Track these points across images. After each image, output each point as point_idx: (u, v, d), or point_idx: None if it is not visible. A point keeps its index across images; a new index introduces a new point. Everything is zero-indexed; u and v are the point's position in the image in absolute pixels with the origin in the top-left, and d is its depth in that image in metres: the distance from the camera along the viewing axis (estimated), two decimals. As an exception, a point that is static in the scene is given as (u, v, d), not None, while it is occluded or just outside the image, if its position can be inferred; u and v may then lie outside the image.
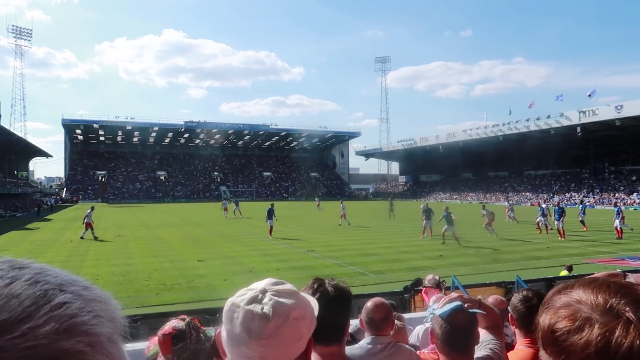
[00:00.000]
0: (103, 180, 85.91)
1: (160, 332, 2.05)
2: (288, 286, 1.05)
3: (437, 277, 8.37)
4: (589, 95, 62.37)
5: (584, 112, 59.29)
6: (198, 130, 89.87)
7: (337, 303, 1.66)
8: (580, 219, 27.42)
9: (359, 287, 11.27)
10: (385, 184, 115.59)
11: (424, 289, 7.34)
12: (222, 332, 1.00)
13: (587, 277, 0.73)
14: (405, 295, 7.96)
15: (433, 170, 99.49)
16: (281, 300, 0.98)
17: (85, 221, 23.40)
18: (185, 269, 14.43)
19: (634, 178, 63.49)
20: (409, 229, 26.87)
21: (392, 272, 13.60)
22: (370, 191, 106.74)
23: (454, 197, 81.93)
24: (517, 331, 2.28)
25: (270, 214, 23.55)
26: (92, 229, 23.16)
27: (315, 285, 1.68)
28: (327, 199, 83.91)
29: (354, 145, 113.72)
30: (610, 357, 0.59)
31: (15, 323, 0.33)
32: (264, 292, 1.00)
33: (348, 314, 1.75)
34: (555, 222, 22.92)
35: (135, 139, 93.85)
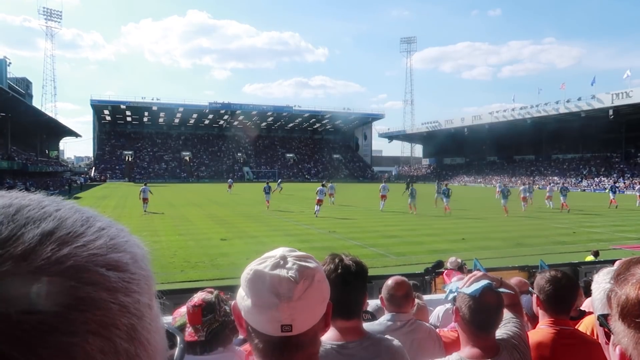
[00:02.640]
0: (130, 160, 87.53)
1: (190, 304, 2.10)
2: (304, 252, 1.08)
3: (459, 260, 8.31)
4: (625, 77, 60.26)
5: (617, 95, 57.36)
6: (222, 112, 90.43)
7: (357, 277, 1.68)
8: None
9: (379, 268, 11.31)
10: (409, 166, 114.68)
11: (446, 271, 7.31)
12: (242, 301, 1.01)
13: None
14: (426, 277, 7.96)
15: (457, 153, 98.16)
16: (304, 263, 1.02)
17: (141, 196, 26.09)
18: (209, 247, 14.69)
19: (667, 163, 61.48)
20: (427, 212, 26.68)
21: (413, 255, 13.57)
22: (393, 174, 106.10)
23: (478, 180, 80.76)
24: (541, 312, 2.25)
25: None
26: (146, 203, 25.74)
27: (337, 260, 1.70)
28: (350, 181, 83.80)
29: (377, 127, 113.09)
30: None
31: (75, 237, 0.38)
32: (284, 258, 1.02)
33: (365, 287, 1.77)
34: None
35: (160, 120, 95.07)
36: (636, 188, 42.63)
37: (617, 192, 34.42)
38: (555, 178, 69.35)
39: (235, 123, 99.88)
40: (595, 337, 2.28)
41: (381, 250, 14.41)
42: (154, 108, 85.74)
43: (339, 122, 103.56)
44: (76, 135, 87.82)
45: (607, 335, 0.67)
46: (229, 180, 51.70)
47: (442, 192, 26.53)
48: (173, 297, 6.06)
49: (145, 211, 25.28)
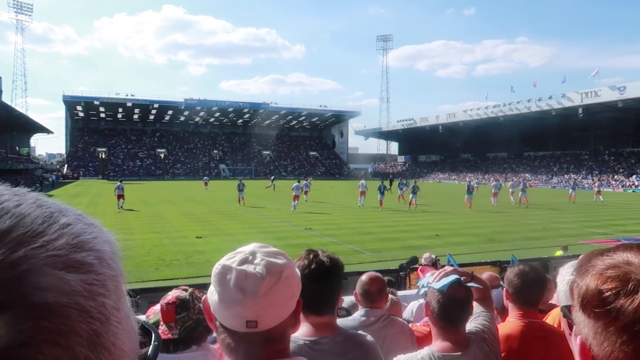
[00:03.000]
0: (104, 157, 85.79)
1: (164, 301, 2.09)
2: (275, 248, 1.07)
3: (433, 256, 8.43)
4: (592, 77, 62.11)
5: (586, 94, 58.93)
6: (198, 108, 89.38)
7: (331, 273, 1.69)
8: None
9: (355, 264, 11.38)
10: (384, 163, 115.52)
11: (420, 267, 7.42)
12: (211, 296, 1.02)
13: (627, 242, 0.70)
14: (401, 273, 8.05)
15: (432, 150, 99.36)
16: (272, 259, 1.01)
17: (116, 193, 26.03)
18: (185, 245, 14.55)
19: (633, 160, 63.48)
20: (401, 208, 26.97)
21: (388, 251, 13.71)
22: (369, 171, 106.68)
23: (452, 177, 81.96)
24: (510, 305, 2.31)
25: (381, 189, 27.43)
26: (122, 200, 25.75)
27: (311, 256, 1.71)
28: (327, 178, 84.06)
29: (353, 124, 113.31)
30: None
31: (33, 236, 0.36)
32: (253, 253, 1.02)
33: (341, 285, 1.78)
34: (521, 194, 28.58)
35: (135, 116, 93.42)
36: (595, 184, 44.65)
37: (577, 188, 37.01)
38: (527, 175, 70.88)
39: (212, 120, 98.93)
40: (562, 329, 2.35)
41: (357, 246, 14.50)
42: (129, 104, 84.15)
43: (316, 119, 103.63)
44: (48, 131, 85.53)
45: (570, 326, 0.69)
46: (205, 177, 51.90)
47: (411, 189, 27.90)
48: (147, 296, 6.00)
49: (120, 208, 25.13)
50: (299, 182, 28.28)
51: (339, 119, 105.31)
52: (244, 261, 1.00)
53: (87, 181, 66.89)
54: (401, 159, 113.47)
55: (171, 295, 2.10)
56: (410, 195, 27.46)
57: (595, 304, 0.62)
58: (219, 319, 1.01)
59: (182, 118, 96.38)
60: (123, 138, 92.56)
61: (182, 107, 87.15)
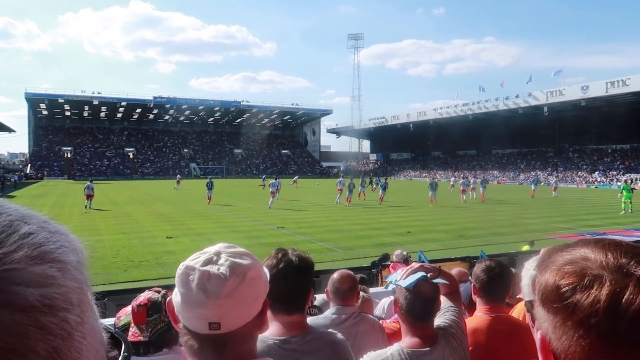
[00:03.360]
0: (69, 156, 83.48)
1: (135, 303, 2.05)
2: (243, 249, 1.06)
3: (404, 253, 8.53)
4: (554, 75, 64.09)
5: (551, 92, 60.65)
6: (167, 106, 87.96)
7: (300, 272, 1.69)
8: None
9: (327, 262, 11.40)
10: (357, 162, 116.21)
11: (392, 264, 7.49)
12: (175, 297, 1.01)
13: (587, 237, 0.71)
14: (372, 270, 8.12)
15: (404, 148, 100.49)
16: (237, 260, 0.99)
17: (85, 193, 25.70)
18: (154, 245, 14.30)
19: (595, 157, 65.67)
20: (374, 206, 27.22)
21: (360, 248, 13.80)
22: (342, 169, 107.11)
23: (423, 175, 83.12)
24: (478, 299, 2.36)
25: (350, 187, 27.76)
26: (91, 199, 25.49)
27: (280, 255, 1.70)
28: (299, 176, 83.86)
29: (325, 122, 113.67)
30: (620, 315, 0.57)
31: None
32: (218, 254, 1.00)
33: (310, 283, 1.77)
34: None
35: (102, 115, 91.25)
36: (552, 181, 46.42)
37: (539, 184, 40.38)
38: (495, 172, 72.49)
39: (182, 118, 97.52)
40: (527, 322, 2.41)
41: (329, 244, 14.54)
42: (95, 102, 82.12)
43: (288, 117, 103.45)
44: (9, 130, 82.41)
45: (534, 320, 0.70)
46: (177, 176, 51.67)
47: (380, 185, 30.38)
48: (115, 298, 5.87)
49: (89, 208, 24.89)
50: (275, 179, 29.47)
51: (311, 117, 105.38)
52: (208, 262, 0.98)
53: (51, 181, 64.98)
54: (373, 156, 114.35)
55: (143, 297, 2.06)
56: (380, 191, 29.61)
57: (553, 299, 0.63)
58: (182, 321, 1.00)
59: (151, 116, 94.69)
60: (89, 137, 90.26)
61: (151, 105, 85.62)
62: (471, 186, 32.36)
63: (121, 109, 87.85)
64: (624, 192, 24.34)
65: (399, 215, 22.55)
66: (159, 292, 2.11)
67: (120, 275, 10.63)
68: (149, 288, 2.22)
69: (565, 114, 63.93)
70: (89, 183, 26.57)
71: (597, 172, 60.81)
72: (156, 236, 16.06)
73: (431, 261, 7.45)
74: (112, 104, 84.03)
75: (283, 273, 1.62)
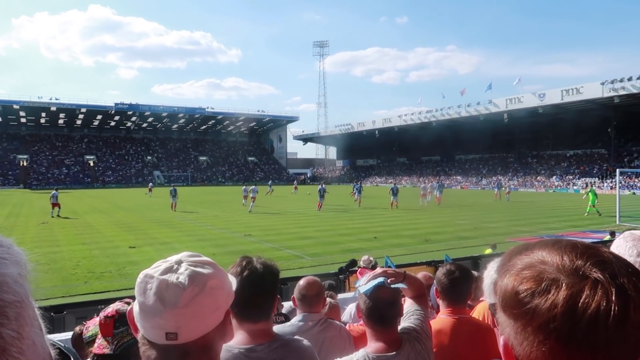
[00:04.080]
0: (25, 164, 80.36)
1: (103, 314, 1.99)
2: (206, 258, 1.03)
3: (371, 258, 8.62)
4: (515, 84, 66.40)
5: (510, 100, 62.60)
6: (129, 113, 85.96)
7: (265, 279, 1.68)
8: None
9: (295, 269, 11.39)
10: (323, 168, 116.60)
11: (359, 269, 7.54)
12: (135, 306, 0.99)
13: (546, 239, 0.72)
14: (340, 277, 8.15)
15: (369, 154, 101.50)
16: (197, 269, 0.97)
17: (51, 201, 26.26)
18: (117, 256, 13.93)
19: (553, 163, 68.08)
20: (341, 212, 27.37)
21: (328, 255, 13.82)
22: (309, 175, 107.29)
23: (389, 180, 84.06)
24: (440, 302, 2.41)
25: (321, 192, 29.23)
26: (58, 208, 26.13)
27: (244, 263, 1.69)
28: (265, 183, 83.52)
29: (292, 129, 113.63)
30: (577, 318, 0.57)
31: None
32: (179, 262, 0.98)
33: (276, 291, 1.77)
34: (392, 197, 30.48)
35: (60, 121, 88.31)
36: (506, 186, 48.53)
37: (501, 188, 42.31)
38: (459, 177, 74.12)
39: (145, 125, 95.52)
40: (488, 323, 2.48)
41: (297, 251, 14.51)
42: (53, 108, 79.43)
43: (254, 124, 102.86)
44: (-40, 137, 79.04)
45: (498, 323, 0.71)
46: (150, 184, 52.67)
47: (356, 189, 33.11)
48: (75, 311, 5.69)
49: (58, 216, 25.33)
50: (245, 185, 32.50)
51: (277, 124, 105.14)
52: (168, 270, 0.96)
53: (6, 191, 62.37)
54: (339, 163, 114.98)
55: (111, 308, 2.01)
56: (356, 195, 32.72)
57: (513, 305, 0.63)
58: (141, 330, 0.97)
59: (113, 123, 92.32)
60: (47, 144, 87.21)
61: (113, 111, 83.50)
62: (428, 190, 34.70)
63: (81, 116, 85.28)
64: (590, 196, 25.23)
65: (366, 221, 22.73)
66: (128, 303, 2.06)
67: (81, 287, 10.29)
68: (120, 299, 2.17)
69: (524, 121, 66.07)
70: (54, 192, 27.08)
71: (554, 177, 63.04)
72: (118, 246, 15.65)
73: (397, 266, 7.55)
74: (71, 111, 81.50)
75: (247, 281, 1.61)
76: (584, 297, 0.58)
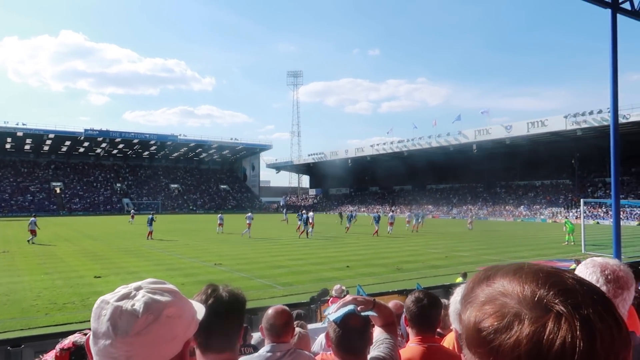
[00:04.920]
0: (-13, 191, 77.59)
1: (59, 346, 1.91)
2: (168, 285, 0.99)
3: (343, 287, 8.56)
4: (482, 113, 68.55)
5: (479, 131, 64.39)
6: (99, 139, 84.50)
7: (230, 309, 1.63)
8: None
9: (266, 299, 11.21)
10: (296, 196, 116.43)
11: (331, 299, 7.46)
12: (90, 333, 0.95)
13: (510, 264, 0.66)
14: (311, 306, 8.04)
15: (342, 183, 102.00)
16: (155, 297, 0.93)
17: (29, 228, 27.10)
18: (81, 286, 13.45)
19: (520, 192, 69.78)
20: (313, 242, 27.24)
21: (300, 284, 13.67)
22: (281, 204, 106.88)
23: (362, 209, 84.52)
24: (410, 330, 2.39)
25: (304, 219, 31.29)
26: (34, 235, 26.87)
27: (209, 291, 1.65)
28: (238, 212, 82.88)
29: (265, 157, 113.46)
30: (542, 355, 0.53)
31: None
32: (138, 288, 0.95)
33: (242, 321, 1.72)
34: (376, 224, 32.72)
35: (27, 147, 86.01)
36: (469, 215, 49.59)
37: (476, 218, 44.57)
38: (430, 206, 75.02)
39: (115, 152, 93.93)
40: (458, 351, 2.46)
41: (268, 281, 14.30)
42: (19, 134, 77.43)
43: (227, 152, 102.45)
44: None
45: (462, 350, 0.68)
46: (132, 211, 53.20)
47: (347, 217, 36.68)
48: (34, 344, 5.44)
49: (32, 242, 26.17)
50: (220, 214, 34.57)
51: (250, 152, 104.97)
52: (125, 296, 0.93)
53: (-33, 218, 59.93)
54: (312, 192, 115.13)
55: (68, 340, 1.92)
56: (347, 222, 35.87)
57: (476, 343, 0.60)
58: (94, 357, 0.93)
59: (82, 149, 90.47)
60: (11, 170, 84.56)
61: (82, 137, 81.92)
62: (407, 219, 36.96)
63: (48, 142, 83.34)
64: (568, 226, 26.66)
65: (338, 250, 22.66)
66: (86, 335, 1.97)
67: (41, 319, 9.84)
68: (80, 331, 2.08)
69: (493, 151, 67.87)
70: (32, 219, 27.95)
71: (522, 206, 64.51)
72: (83, 276, 15.13)
73: (369, 295, 7.50)
74: (38, 136, 79.61)
75: (212, 309, 1.56)
76: (547, 332, 0.54)
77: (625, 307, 1.66)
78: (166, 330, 0.92)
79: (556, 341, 0.53)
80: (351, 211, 42.30)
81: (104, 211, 79.29)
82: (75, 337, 1.95)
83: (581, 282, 0.61)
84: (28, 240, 26.54)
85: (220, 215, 36.14)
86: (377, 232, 31.90)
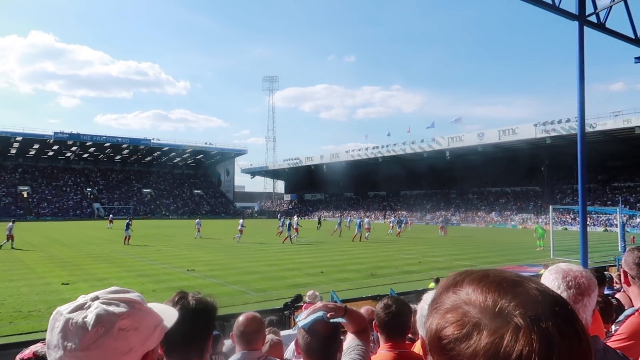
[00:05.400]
0: (-51, 195, 74.82)
1: (19, 356, 1.84)
2: (130, 295, 0.96)
3: (317, 293, 8.55)
4: (454, 121, 69.98)
5: (452, 138, 65.42)
6: (70, 143, 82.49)
7: (198, 316, 1.61)
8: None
9: (239, 306, 11.09)
10: (271, 202, 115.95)
11: (305, 305, 7.44)
12: None
13: (479, 270, 0.66)
14: (285, 312, 8.01)
15: (317, 189, 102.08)
16: (109, 308, 0.90)
17: (7, 233, 26.35)
18: (48, 293, 13.07)
19: (492, 199, 71.10)
20: (287, 246, 27.14)
21: (273, 290, 13.59)
22: (256, 209, 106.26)
23: (337, 215, 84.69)
24: (380, 336, 2.40)
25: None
26: (12, 240, 26.32)
27: (177, 298, 1.63)
28: (212, 217, 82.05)
29: (240, 162, 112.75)
30: None
31: None
32: (95, 299, 0.92)
33: (210, 328, 1.70)
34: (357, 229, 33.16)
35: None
36: (439, 221, 50.42)
37: (448, 223, 45.10)
38: (404, 212, 75.65)
39: (85, 155, 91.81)
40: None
41: (242, 287, 14.17)
42: (-15, 136, 75.06)
43: (201, 156, 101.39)
44: None
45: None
46: (110, 215, 54.10)
47: (356, 224, 34.15)
48: (-4, 354, 5.23)
49: (12, 247, 25.70)
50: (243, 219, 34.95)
51: (225, 156, 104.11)
52: (78, 308, 0.90)
53: None
54: (287, 197, 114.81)
55: (29, 350, 1.86)
56: (356, 229, 33.86)
57: (437, 351, 0.60)
58: None
59: (51, 153, 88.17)
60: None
61: (51, 140, 79.85)
62: (365, 226, 35.28)
63: (16, 144, 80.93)
64: (538, 231, 27.24)
65: (312, 256, 22.63)
66: None
67: (5, 328, 9.53)
68: (42, 340, 2.02)
69: (466, 158, 69.00)
70: (10, 224, 27.30)
71: (494, 213, 65.72)
72: (50, 282, 14.71)
73: (343, 301, 7.51)
74: (5, 139, 77.21)
75: (178, 317, 1.54)
76: (504, 345, 0.53)
77: (587, 312, 1.71)
78: (119, 343, 0.88)
79: (512, 354, 0.53)
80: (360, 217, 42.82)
81: (73, 216, 77.33)
82: (37, 347, 1.89)
83: (545, 292, 0.60)
84: (12, 246, 26.12)
85: (198, 220, 36.37)
86: (355, 236, 32.29)
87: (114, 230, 40.63)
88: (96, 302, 0.91)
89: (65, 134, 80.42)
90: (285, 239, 30.12)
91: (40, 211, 76.69)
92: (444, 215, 65.12)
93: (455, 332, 0.58)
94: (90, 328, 0.86)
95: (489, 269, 0.66)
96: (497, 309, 0.57)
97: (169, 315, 1.07)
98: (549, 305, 0.58)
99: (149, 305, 1.02)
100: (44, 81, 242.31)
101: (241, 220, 33.11)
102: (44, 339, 2.01)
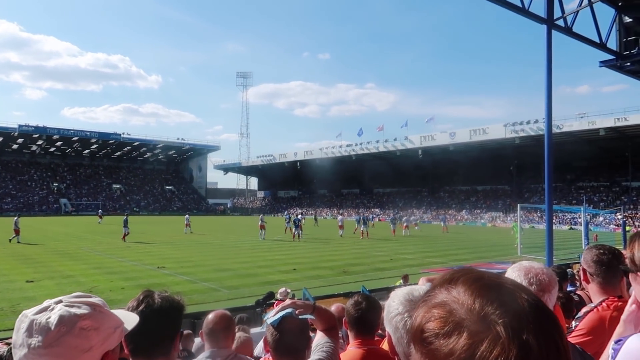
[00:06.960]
0: None
1: None
2: (91, 299, 1.02)
3: (289, 290, 8.56)
4: (427, 122, 70.90)
5: (424, 137, 66.31)
6: (35, 136, 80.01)
7: (163, 314, 1.60)
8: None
9: (210, 303, 10.99)
10: (244, 198, 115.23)
11: (277, 302, 7.43)
12: None
13: (477, 272, 0.66)
14: (257, 309, 7.99)
15: (291, 186, 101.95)
16: (71, 310, 0.97)
17: (14, 227, 26.51)
18: (10, 291, 12.68)
19: (462, 197, 72.38)
20: (262, 244, 27.05)
21: (246, 287, 13.52)
22: (229, 206, 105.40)
23: (310, 212, 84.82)
24: (349, 333, 2.42)
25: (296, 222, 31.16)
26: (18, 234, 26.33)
27: (142, 297, 1.62)
28: (183, 213, 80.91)
29: (213, 159, 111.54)
30: None
31: None
32: (59, 302, 0.98)
33: (176, 327, 1.68)
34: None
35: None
36: (404, 219, 50.44)
37: (420, 221, 44.90)
38: (377, 210, 76.30)
39: (52, 149, 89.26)
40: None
41: (213, 284, 14.05)
42: (-56, 128, 72.14)
43: (172, 152, 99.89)
44: None
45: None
46: (99, 211, 54.76)
47: (293, 221, 32.79)
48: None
49: (18, 242, 25.77)
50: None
51: (197, 152, 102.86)
52: (43, 310, 0.97)
53: None
54: (261, 194, 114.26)
55: (-10, 350, 1.80)
56: (362, 227, 34.08)
57: (417, 341, 0.61)
58: None
59: (15, 146, 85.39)
60: (-64, 167, 78.68)
61: (16, 134, 77.30)
62: (338, 224, 35.02)
63: (-22, 138, 78.19)
64: (515, 229, 27.97)
65: (285, 253, 22.60)
66: (9, 344, 1.86)
67: (-36, 327, 9.18)
68: (2, 340, 1.96)
69: (438, 157, 70.05)
70: (16, 218, 27.76)
71: (464, 211, 66.91)
72: (13, 280, 14.27)
73: (316, 298, 7.53)
74: (-34, 132, 74.50)
75: (142, 315, 1.52)
76: (481, 350, 0.54)
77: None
78: (80, 341, 0.95)
79: None
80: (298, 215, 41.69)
81: (39, 212, 75.14)
82: None
83: (535, 305, 0.59)
84: (17, 241, 26.04)
85: (187, 215, 38.13)
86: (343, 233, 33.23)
87: (86, 225, 39.64)
88: (60, 305, 0.98)
89: (31, 126, 77.98)
90: (294, 236, 30.36)
91: (4, 206, 74.23)
92: (398, 215, 65.97)
93: (437, 328, 0.59)
94: (53, 327, 0.92)
95: (487, 272, 0.66)
96: (482, 314, 0.57)
97: (129, 319, 1.13)
98: (535, 317, 0.57)
99: (112, 310, 1.09)
100: (7, 72, 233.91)
101: (187, 216, 36.82)
102: (4, 339, 1.95)
